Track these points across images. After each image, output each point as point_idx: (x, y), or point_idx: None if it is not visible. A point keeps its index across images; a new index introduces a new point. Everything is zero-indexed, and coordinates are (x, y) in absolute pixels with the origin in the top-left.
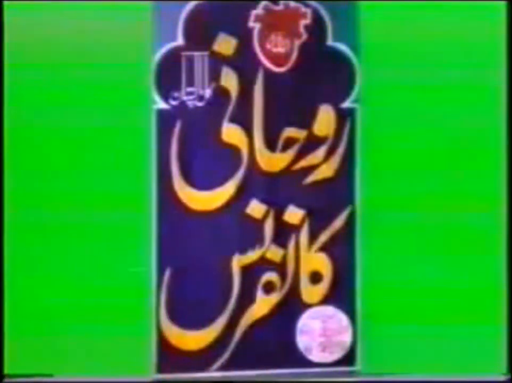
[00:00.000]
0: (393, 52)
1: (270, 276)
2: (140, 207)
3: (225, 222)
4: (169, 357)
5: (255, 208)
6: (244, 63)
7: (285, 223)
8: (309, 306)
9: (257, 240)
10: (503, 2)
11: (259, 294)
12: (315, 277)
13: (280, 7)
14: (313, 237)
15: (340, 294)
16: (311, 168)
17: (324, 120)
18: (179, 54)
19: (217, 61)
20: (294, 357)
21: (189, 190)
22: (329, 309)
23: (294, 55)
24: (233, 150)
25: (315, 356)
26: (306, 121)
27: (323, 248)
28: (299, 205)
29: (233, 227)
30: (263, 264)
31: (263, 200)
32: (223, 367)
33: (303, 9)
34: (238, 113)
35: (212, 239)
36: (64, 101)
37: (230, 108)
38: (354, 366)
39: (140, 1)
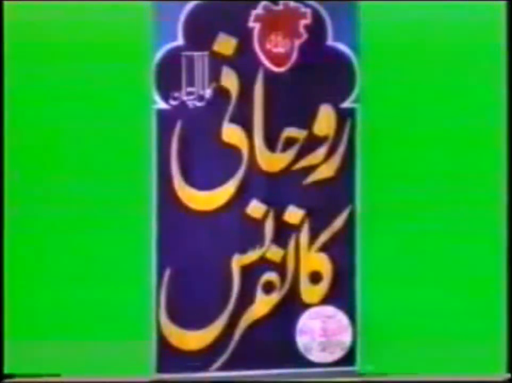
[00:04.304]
0: (392, 52)
1: (270, 276)
2: (140, 207)
3: (225, 222)
4: (169, 357)
5: (255, 208)
6: (244, 63)
7: (285, 223)
8: (309, 306)
9: (257, 240)
10: (503, 2)
11: (259, 294)
12: (315, 277)
13: (280, 7)
14: (313, 237)
15: (340, 294)
16: (311, 168)
17: (324, 120)
18: (179, 54)
19: (217, 61)
20: (294, 357)
21: (189, 190)
22: (329, 309)
23: (294, 55)
24: (233, 150)
25: (315, 356)
26: (306, 121)
27: (323, 248)
28: (299, 205)
29: (233, 227)
30: (263, 264)
31: (263, 200)
32: (223, 367)
33: (303, 9)
34: (238, 113)
35: (212, 239)
36: (63, 102)
37: (230, 108)
38: (354, 366)
39: (140, 1)
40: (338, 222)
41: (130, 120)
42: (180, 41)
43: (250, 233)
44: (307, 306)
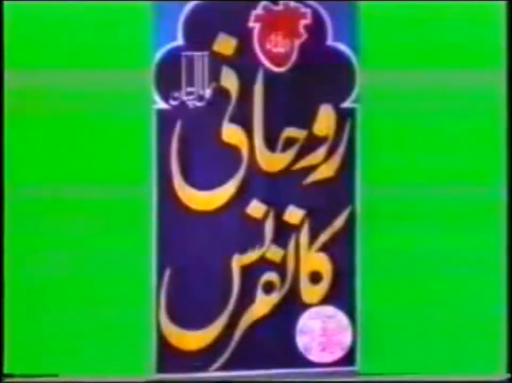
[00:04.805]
0: (392, 52)
1: (270, 276)
2: (140, 207)
3: (225, 222)
4: (169, 357)
5: (255, 208)
6: (244, 63)
7: (285, 223)
8: (309, 306)
9: (257, 240)
10: (503, 2)
11: (259, 294)
12: (315, 277)
13: (280, 7)
14: (313, 237)
15: (340, 294)
16: (311, 168)
17: (324, 120)
18: (179, 54)
19: (217, 61)
20: (294, 357)
21: (189, 190)
22: (329, 309)
23: (294, 55)
24: (233, 150)
25: (315, 356)
26: (306, 121)
27: (323, 248)
28: (299, 205)
29: (233, 227)
30: (263, 264)
31: (263, 200)
32: (223, 367)
33: (303, 9)
34: (238, 113)
35: (212, 239)
36: (63, 102)
37: (230, 108)
38: (354, 366)
39: (140, 1)
40: (338, 222)
41: (130, 120)
42: (180, 41)
43: (250, 233)
44: (307, 306)
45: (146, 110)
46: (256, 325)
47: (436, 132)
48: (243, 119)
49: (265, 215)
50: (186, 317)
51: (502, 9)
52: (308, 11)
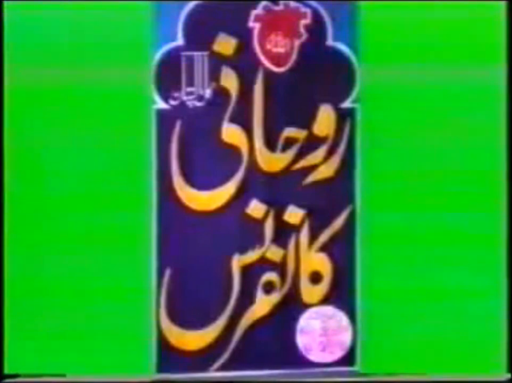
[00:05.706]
0: (393, 52)
1: (270, 276)
2: (140, 207)
3: (225, 222)
4: (169, 357)
5: (255, 208)
6: (244, 63)
7: (285, 223)
8: (309, 306)
9: (257, 240)
10: (503, 2)
11: (259, 294)
12: (315, 277)
13: (280, 7)
14: (313, 237)
15: (340, 294)
16: (311, 168)
17: (324, 120)
18: (179, 54)
19: (217, 61)
20: (294, 357)
21: (189, 190)
22: (329, 309)
23: (294, 55)
24: (233, 150)
25: (315, 356)
26: (306, 121)
27: (323, 248)
28: (299, 205)
29: (233, 227)
30: (263, 264)
31: (263, 200)
32: (223, 367)
33: (303, 9)
34: (238, 113)
35: (212, 239)
36: (63, 101)
37: (230, 108)
38: (354, 366)
39: (140, 1)
40: (338, 222)
41: (130, 120)
42: (180, 41)
43: (250, 233)
44: (307, 306)
45: (146, 110)
46: (256, 325)
47: (436, 131)
48: (243, 119)
49: (265, 215)
50: (186, 317)
51: (502, 9)
52: (308, 11)
